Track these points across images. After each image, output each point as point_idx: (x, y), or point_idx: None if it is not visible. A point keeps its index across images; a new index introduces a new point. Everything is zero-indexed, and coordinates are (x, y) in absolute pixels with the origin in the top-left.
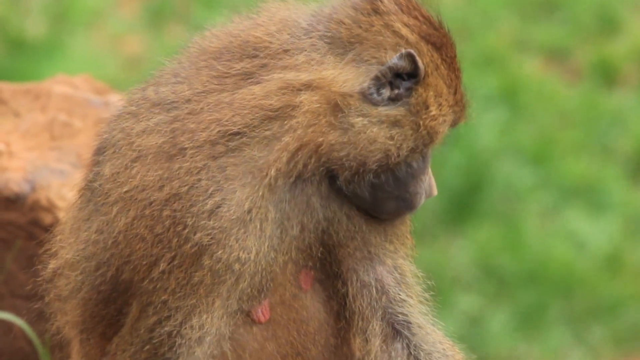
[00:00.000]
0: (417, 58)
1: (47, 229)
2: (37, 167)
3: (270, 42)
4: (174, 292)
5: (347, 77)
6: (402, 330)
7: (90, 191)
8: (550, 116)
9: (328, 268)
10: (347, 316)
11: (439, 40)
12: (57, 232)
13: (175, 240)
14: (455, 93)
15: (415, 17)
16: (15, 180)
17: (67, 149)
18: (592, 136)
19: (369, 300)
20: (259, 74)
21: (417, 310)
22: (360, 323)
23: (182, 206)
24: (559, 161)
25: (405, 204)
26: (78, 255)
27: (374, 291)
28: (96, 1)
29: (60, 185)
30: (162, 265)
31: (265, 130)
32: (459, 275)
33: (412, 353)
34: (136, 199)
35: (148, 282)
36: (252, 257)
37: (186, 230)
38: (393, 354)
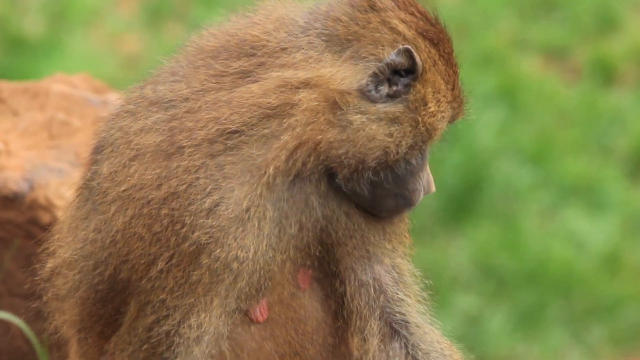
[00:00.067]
0: (415, 54)
1: (46, 227)
2: (35, 166)
3: (268, 41)
4: (172, 291)
5: (345, 75)
6: (400, 330)
7: (88, 190)
8: (549, 115)
9: (326, 267)
10: (345, 315)
11: (436, 36)
12: (55, 231)
13: (174, 239)
14: (453, 89)
15: (412, 14)
16: (13, 179)
17: (65, 147)
18: (591, 135)
19: (366, 299)
20: (256, 73)
21: (415, 310)
22: (358, 322)
23: (180, 205)
24: (558, 160)
25: (404, 201)
26: (76, 254)
27: (372, 290)
28: (94, 0)
29: (59, 184)
30: (160, 264)
31: (264, 128)
32: (458, 274)
33: (410, 352)
34: (134, 197)
35: (146, 281)
36: (250, 256)
37: (184, 229)
38: (391, 353)
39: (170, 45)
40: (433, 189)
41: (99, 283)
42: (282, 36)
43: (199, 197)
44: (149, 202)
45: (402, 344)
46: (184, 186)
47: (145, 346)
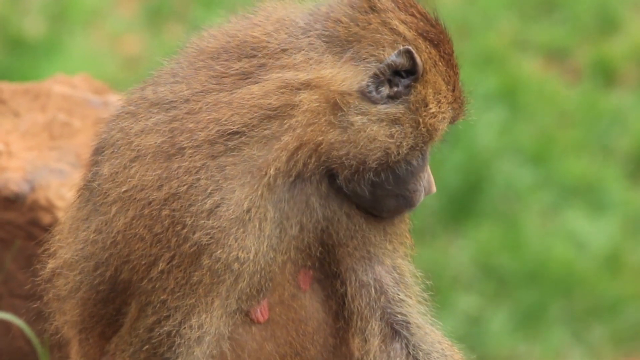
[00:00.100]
0: (415, 55)
1: (46, 228)
2: (36, 167)
3: (268, 42)
4: (173, 292)
5: (346, 76)
6: (401, 330)
7: (89, 191)
8: (549, 116)
9: (327, 268)
10: (346, 316)
11: (437, 37)
12: (56, 232)
13: (174, 239)
14: (453, 90)
15: (412, 14)
16: (14, 180)
17: (66, 148)
18: (592, 136)
19: (367, 300)
20: (257, 74)
21: (415, 310)
22: (359, 323)
23: (181, 206)
24: (559, 161)
25: (405, 201)
26: (77, 255)
27: (373, 291)
28: (95, 1)
29: (60, 185)
30: (161, 265)
31: (265, 129)
32: (459, 274)
33: (411, 353)
34: (135, 198)
35: (147, 281)
36: (251, 257)
37: (185, 230)
38: (392, 353)
39: (171, 46)
40: (434, 189)
41: (99, 284)
42: (283, 37)
43: (199, 198)
44: (149, 203)
45: (403, 345)
46: (185, 187)
47: (146, 347)
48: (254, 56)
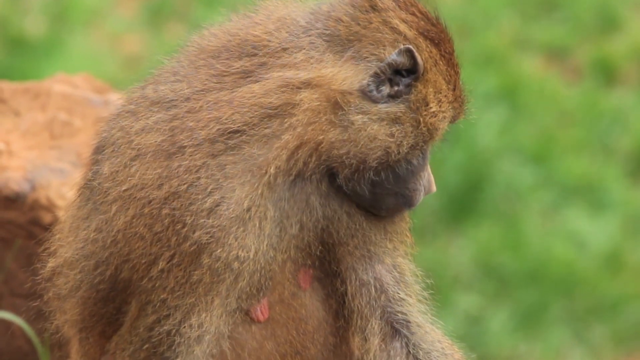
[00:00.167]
0: (416, 54)
1: (47, 228)
2: (36, 166)
3: (269, 41)
4: (173, 291)
5: (347, 75)
6: (401, 329)
7: (89, 190)
8: (550, 115)
9: (327, 267)
10: (346, 315)
11: (437, 36)
12: (57, 231)
13: (174, 238)
14: (454, 89)
15: (413, 13)
16: (15, 179)
17: (66, 148)
18: (593, 135)
19: (367, 299)
20: (258, 73)
21: (416, 309)
22: (359, 322)
23: (181, 204)
24: (559, 160)
25: (405, 200)
26: (77, 254)
27: (373, 290)
28: (95, 0)
29: (60, 184)
30: (161, 264)
31: (265, 128)
32: (459, 274)
33: (411, 352)
34: (135, 197)
35: (147, 280)
36: (251, 256)
37: (185, 229)
38: (392, 352)
39: (171, 45)
40: (434, 188)
41: (100, 283)
42: (284, 36)
43: (200, 196)
44: (150, 201)
45: (403, 344)
46: (185, 186)
47: (146, 346)
48: (255, 55)
